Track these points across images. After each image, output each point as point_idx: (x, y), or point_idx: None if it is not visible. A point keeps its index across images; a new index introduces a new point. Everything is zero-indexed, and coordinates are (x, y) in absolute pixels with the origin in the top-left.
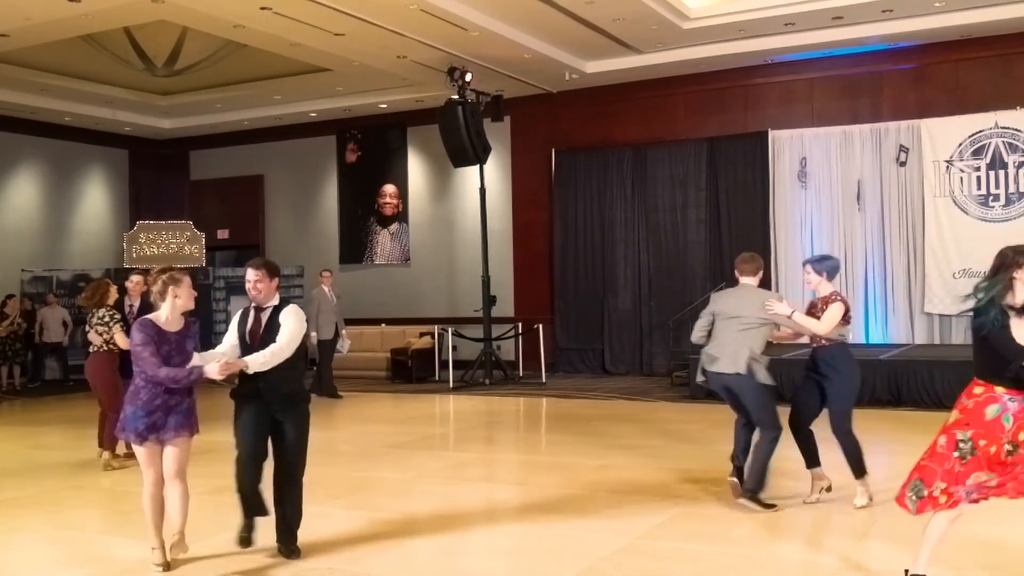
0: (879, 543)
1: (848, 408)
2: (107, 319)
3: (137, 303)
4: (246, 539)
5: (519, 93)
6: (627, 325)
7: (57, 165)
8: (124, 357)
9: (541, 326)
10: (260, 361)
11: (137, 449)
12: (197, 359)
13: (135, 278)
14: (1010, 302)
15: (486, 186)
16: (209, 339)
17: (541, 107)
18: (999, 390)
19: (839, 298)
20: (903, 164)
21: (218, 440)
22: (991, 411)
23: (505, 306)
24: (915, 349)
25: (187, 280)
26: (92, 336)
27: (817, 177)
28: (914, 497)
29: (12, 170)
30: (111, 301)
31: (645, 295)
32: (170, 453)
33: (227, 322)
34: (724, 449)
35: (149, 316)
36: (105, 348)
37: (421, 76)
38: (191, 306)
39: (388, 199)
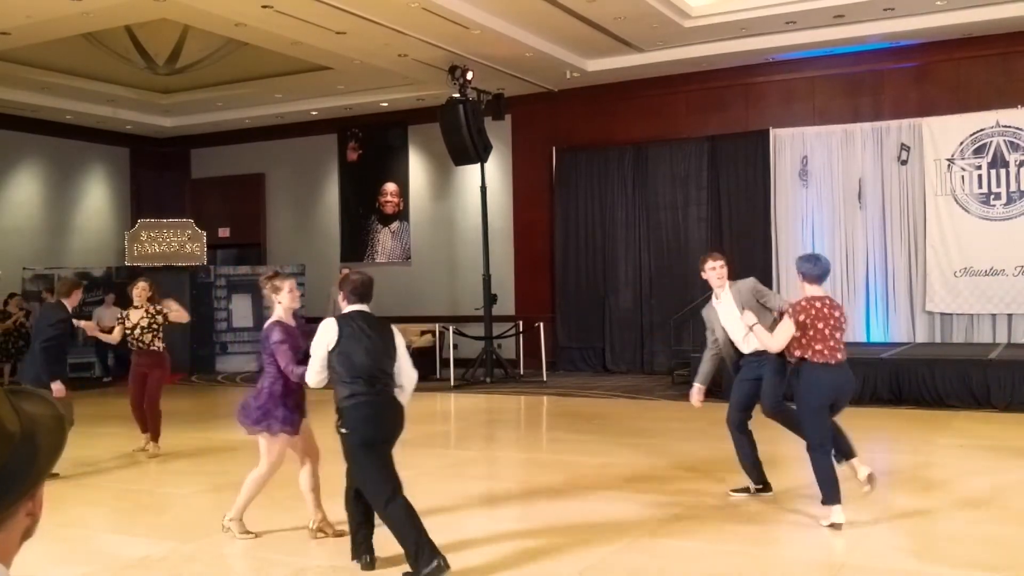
0: (879, 541)
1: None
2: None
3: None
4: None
5: (520, 91)
6: (628, 323)
7: (58, 163)
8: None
9: (542, 324)
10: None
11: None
12: None
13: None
14: None
15: (487, 184)
16: (211, 336)
17: (542, 105)
18: None
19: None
20: (904, 163)
21: (220, 438)
22: None
23: (506, 304)
24: (916, 348)
25: (288, 282)
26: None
27: (818, 175)
28: None
29: (13, 168)
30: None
31: (646, 293)
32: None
33: (228, 320)
34: (726, 447)
35: (273, 318)
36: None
37: (422, 74)
38: (296, 305)
39: (389, 197)
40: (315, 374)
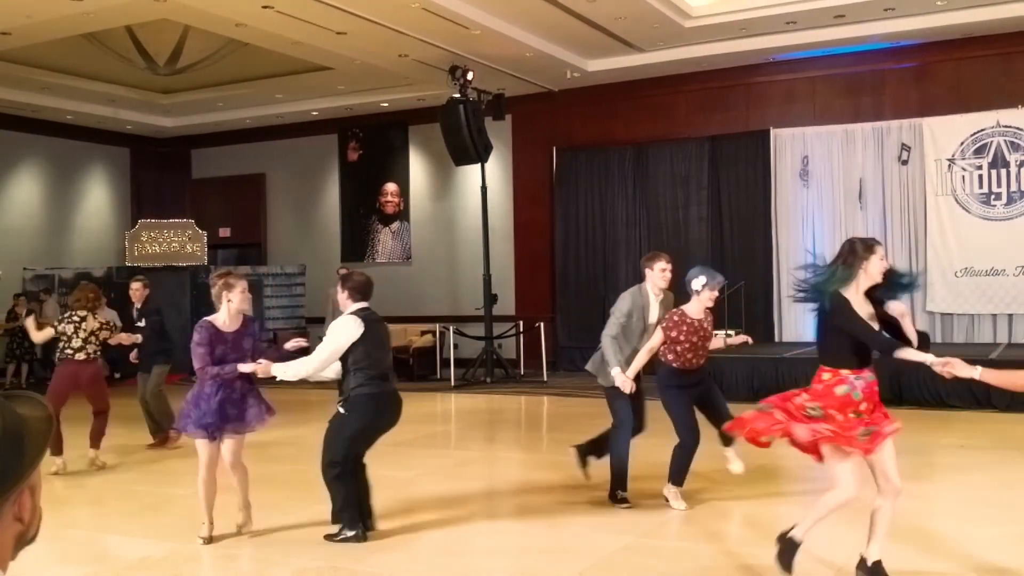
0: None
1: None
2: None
3: (139, 306)
4: None
5: (520, 91)
6: None
7: (59, 163)
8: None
9: (542, 324)
10: (282, 370)
11: (201, 443)
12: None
13: (136, 284)
14: (851, 294)
15: (487, 184)
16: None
17: (542, 105)
18: (844, 372)
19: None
20: (905, 163)
21: None
22: (840, 390)
23: (506, 304)
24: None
25: (241, 283)
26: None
27: (819, 175)
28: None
29: (14, 168)
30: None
31: None
32: (227, 446)
33: None
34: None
35: (208, 318)
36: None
37: (423, 75)
38: (246, 307)
39: (389, 197)
40: (322, 364)
